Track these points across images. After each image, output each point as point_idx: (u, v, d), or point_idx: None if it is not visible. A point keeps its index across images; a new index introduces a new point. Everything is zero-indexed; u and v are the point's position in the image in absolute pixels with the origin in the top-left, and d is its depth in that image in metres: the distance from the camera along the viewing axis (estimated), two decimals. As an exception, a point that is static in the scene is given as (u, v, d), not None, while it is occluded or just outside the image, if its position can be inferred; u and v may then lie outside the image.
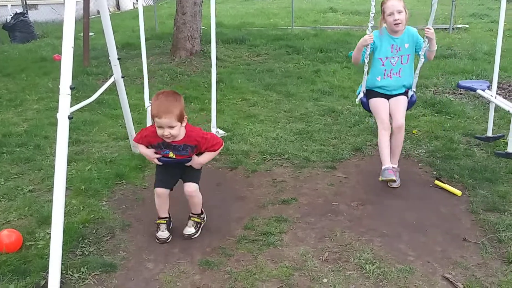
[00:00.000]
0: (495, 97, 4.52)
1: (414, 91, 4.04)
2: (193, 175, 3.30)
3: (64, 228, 2.71)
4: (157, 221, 3.36)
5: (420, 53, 3.91)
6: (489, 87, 4.72)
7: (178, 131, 3.06)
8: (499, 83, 4.64)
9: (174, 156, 3.20)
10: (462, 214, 3.58)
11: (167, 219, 3.39)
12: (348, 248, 3.17)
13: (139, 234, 3.38)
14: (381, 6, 3.91)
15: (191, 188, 3.26)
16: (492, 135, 4.82)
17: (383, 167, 3.86)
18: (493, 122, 4.83)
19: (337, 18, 15.62)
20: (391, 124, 3.91)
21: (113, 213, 3.64)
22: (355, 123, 5.50)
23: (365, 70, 3.95)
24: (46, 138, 5.08)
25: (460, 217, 3.53)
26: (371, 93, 4.05)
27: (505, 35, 5.02)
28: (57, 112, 2.73)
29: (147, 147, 3.26)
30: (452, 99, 6.47)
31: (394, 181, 3.88)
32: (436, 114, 5.88)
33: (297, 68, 8.47)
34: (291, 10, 13.61)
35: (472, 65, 8.28)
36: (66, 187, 2.80)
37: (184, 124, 3.10)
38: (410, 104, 4.03)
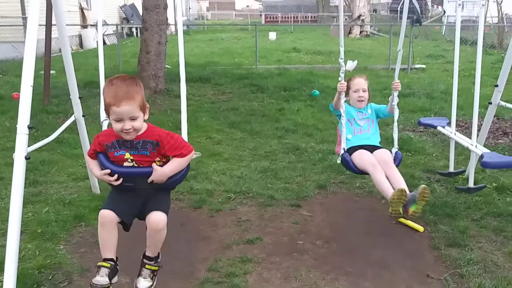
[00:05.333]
0: (455, 134, 4.69)
1: (397, 148, 4.05)
2: (160, 203, 2.61)
3: (18, 275, 2.58)
4: (99, 263, 2.59)
5: (387, 110, 4.14)
6: (449, 124, 4.89)
7: (141, 125, 2.50)
8: (456, 120, 4.82)
9: (131, 158, 2.55)
10: (425, 250, 3.62)
11: (112, 263, 2.58)
12: (314, 288, 3.14)
13: (98, 279, 3.25)
14: (348, 81, 4.10)
15: (159, 218, 2.54)
16: (454, 171, 4.97)
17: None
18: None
19: (300, 58, 16.01)
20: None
21: (71, 258, 3.49)
22: (319, 161, 5.55)
23: (343, 122, 3.95)
24: (2, 180, 4.89)
25: (423, 253, 3.57)
26: (350, 149, 3.95)
27: (460, 75, 5.24)
28: (14, 152, 2.64)
29: (99, 152, 2.61)
30: (412, 136, 6.65)
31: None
32: (397, 151, 6.01)
33: (261, 106, 8.56)
34: (255, 50, 13.87)
35: (430, 103, 8.64)
36: (22, 231, 2.68)
37: (146, 117, 2.53)
38: (397, 161, 3.90)
